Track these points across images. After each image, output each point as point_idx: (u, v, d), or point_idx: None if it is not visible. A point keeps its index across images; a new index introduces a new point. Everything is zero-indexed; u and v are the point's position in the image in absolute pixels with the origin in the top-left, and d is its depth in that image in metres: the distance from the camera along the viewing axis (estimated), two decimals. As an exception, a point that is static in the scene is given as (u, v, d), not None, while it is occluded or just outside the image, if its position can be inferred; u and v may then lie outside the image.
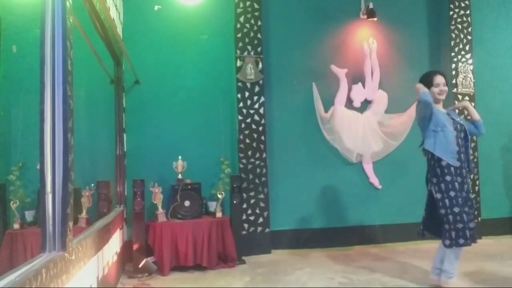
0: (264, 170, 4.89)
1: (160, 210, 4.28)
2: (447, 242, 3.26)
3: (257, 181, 4.85)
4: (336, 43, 5.32)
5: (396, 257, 4.53)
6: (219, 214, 4.37)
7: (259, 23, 4.99)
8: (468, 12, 5.55)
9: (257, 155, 4.88)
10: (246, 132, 4.87)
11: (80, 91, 3.00)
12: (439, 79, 3.43)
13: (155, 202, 4.27)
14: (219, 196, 4.42)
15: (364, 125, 5.21)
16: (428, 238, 3.57)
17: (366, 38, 5.35)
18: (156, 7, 4.86)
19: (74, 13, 2.11)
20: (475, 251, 4.73)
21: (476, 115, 3.52)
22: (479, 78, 5.59)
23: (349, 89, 5.26)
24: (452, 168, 3.27)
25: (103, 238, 2.92)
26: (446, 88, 3.46)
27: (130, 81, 4.72)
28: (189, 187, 4.36)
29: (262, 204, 4.85)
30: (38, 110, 1.78)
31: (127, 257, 4.24)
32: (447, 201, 3.24)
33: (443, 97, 3.47)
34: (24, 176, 3.25)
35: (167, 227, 4.14)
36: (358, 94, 5.27)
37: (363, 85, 5.30)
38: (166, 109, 4.84)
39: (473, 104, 5.48)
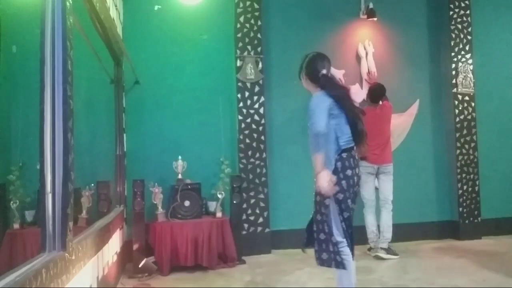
0: (264, 170, 4.88)
1: (160, 210, 4.28)
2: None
3: (257, 181, 4.85)
4: (336, 43, 5.31)
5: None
6: (219, 214, 4.37)
7: (259, 23, 4.99)
8: (468, 12, 5.54)
9: (257, 155, 4.88)
10: (246, 132, 4.87)
11: (80, 91, 2.99)
12: None
13: (155, 202, 4.27)
14: (219, 196, 4.42)
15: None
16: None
17: (365, 38, 5.35)
18: (156, 7, 4.86)
19: (74, 13, 2.11)
20: (475, 251, 4.75)
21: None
22: (479, 78, 5.58)
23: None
24: None
25: (103, 238, 2.92)
26: None
27: (130, 81, 4.72)
28: (189, 187, 4.35)
29: (262, 204, 4.85)
30: (38, 110, 1.77)
31: (127, 257, 4.24)
32: None
33: None
34: (24, 176, 3.23)
35: (167, 227, 4.14)
36: (356, 94, 5.25)
37: (361, 86, 5.30)
38: (166, 109, 4.84)
39: (473, 104, 5.50)
